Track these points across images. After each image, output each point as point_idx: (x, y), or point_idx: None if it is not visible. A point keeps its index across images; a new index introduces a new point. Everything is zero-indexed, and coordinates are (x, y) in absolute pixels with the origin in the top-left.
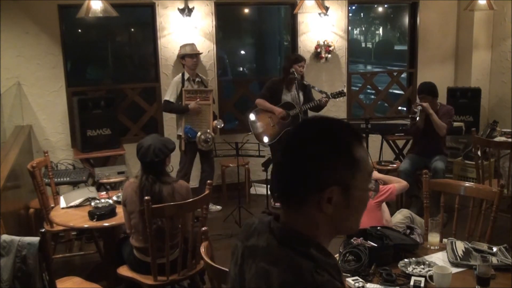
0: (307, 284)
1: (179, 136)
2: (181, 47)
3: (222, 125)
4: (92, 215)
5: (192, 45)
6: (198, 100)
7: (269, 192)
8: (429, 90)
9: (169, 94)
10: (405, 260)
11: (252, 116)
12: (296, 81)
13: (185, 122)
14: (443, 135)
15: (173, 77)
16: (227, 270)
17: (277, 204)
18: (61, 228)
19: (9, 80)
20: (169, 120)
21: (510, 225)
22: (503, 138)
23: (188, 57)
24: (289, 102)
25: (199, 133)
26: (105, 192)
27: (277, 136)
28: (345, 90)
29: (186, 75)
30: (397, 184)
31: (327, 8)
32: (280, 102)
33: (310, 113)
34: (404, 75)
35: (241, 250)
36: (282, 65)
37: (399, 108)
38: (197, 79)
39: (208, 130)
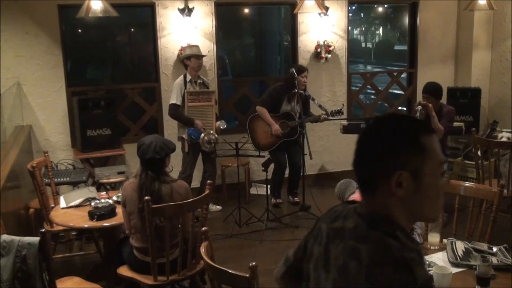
0: (395, 259)
1: (180, 138)
2: (185, 48)
3: (225, 125)
4: (92, 215)
5: (197, 46)
6: (201, 115)
7: (269, 192)
8: (436, 91)
9: (175, 97)
10: None
11: (251, 123)
12: (298, 93)
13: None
14: (439, 138)
15: (173, 77)
16: (227, 270)
17: (279, 200)
18: (61, 228)
19: (9, 80)
20: (169, 120)
21: (510, 225)
22: (508, 135)
23: (195, 58)
24: (288, 112)
25: (202, 135)
26: (105, 192)
27: (274, 145)
28: (343, 110)
29: (188, 77)
30: None
31: (327, 8)
32: (279, 111)
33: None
34: (404, 75)
35: (326, 231)
36: (281, 65)
37: (399, 108)
38: (199, 81)
39: (212, 131)
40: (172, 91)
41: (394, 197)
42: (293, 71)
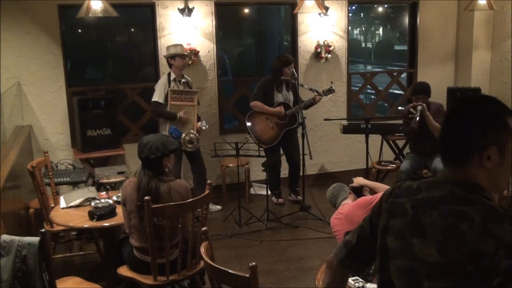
0: (504, 216)
1: None
2: (170, 47)
3: (207, 126)
4: (92, 215)
5: (181, 45)
6: (184, 110)
7: (269, 192)
8: (427, 90)
9: (157, 95)
10: None
11: (249, 121)
12: (285, 82)
13: (170, 123)
14: (437, 136)
15: None
16: (227, 270)
17: (280, 200)
18: (61, 228)
19: (9, 80)
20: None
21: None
22: None
23: (179, 57)
24: (283, 102)
25: (183, 134)
26: (105, 192)
27: (278, 137)
28: (333, 87)
29: (172, 76)
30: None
31: (327, 8)
32: (273, 102)
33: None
34: (404, 75)
35: (410, 204)
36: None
37: (399, 108)
38: (182, 80)
39: (192, 131)
40: (156, 88)
41: (482, 169)
42: (281, 60)
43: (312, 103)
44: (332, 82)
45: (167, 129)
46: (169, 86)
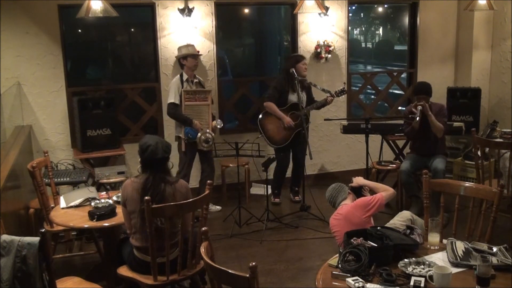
0: None
1: (177, 138)
2: (181, 47)
3: (222, 125)
4: (92, 215)
5: (193, 46)
6: (199, 115)
7: (269, 191)
8: (427, 90)
9: (173, 96)
10: (405, 260)
11: (262, 120)
12: (299, 82)
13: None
14: (440, 136)
15: (173, 77)
16: (227, 270)
17: (277, 200)
18: (61, 228)
19: (9, 80)
20: (168, 120)
21: (510, 225)
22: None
23: (191, 58)
24: (296, 103)
25: (199, 134)
26: (105, 192)
27: (290, 138)
28: (345, 88)
29: (185, 76)
30: (384, 192)
31: (327, 8)
32: (286, 102)
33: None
34: (404, 75)
35: None
36: (281, 65)
37: (399, 108)
38: (195, 80)
39: (208, 130)
40: (170, 90)
41: None
42: (290, 60)
43: (324, 104)
44: (344, 83)
45: (182, 130)
46: (182, 87)
